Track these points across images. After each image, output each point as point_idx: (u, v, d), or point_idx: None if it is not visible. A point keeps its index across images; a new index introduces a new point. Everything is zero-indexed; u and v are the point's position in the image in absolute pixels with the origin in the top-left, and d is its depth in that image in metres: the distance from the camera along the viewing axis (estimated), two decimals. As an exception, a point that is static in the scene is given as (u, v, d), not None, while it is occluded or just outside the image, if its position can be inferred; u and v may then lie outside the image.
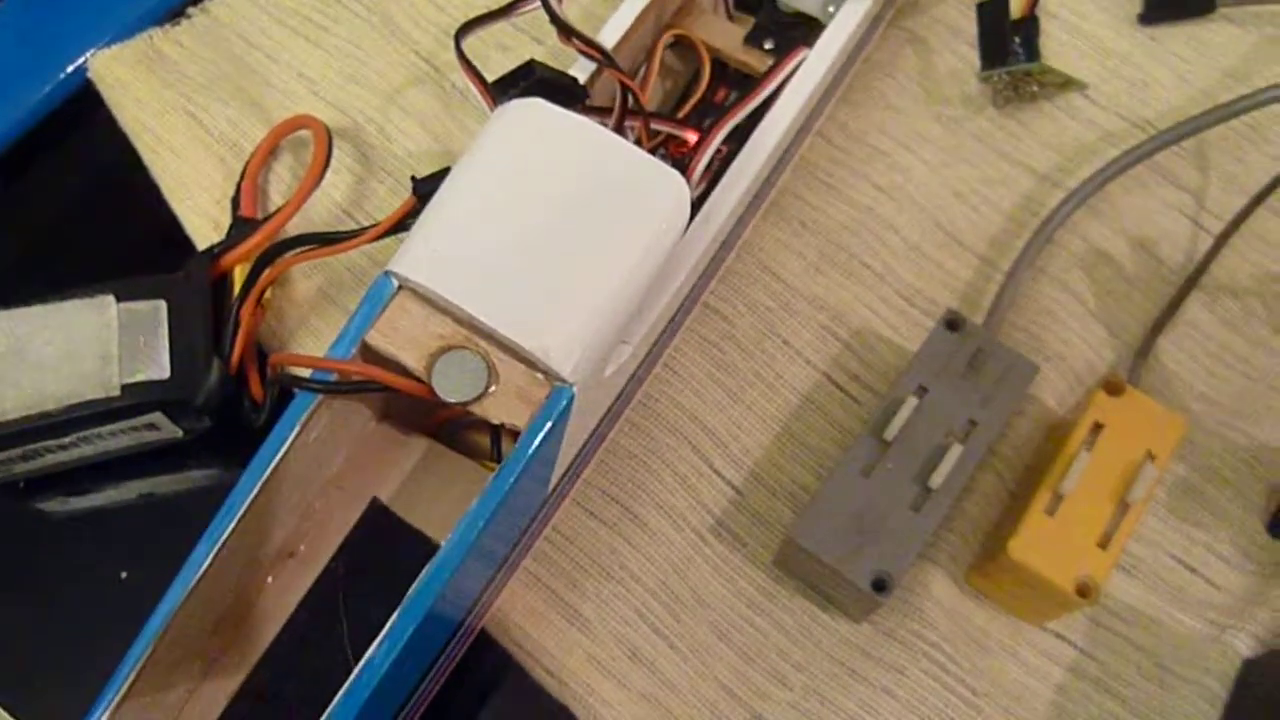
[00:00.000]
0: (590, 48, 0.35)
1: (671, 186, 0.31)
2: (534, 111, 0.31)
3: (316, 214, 0.40)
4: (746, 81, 0.40)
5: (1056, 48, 0.43)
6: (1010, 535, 0.33)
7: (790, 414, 0.38)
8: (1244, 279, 0.40)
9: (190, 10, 0.44)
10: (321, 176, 0.38)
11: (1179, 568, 0.37)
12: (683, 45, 0.40)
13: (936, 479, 0.33)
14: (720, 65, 0.40)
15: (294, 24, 0.44)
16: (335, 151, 0.39)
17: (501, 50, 0.43)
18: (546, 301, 0.29)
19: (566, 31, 0.34)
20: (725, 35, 0.40)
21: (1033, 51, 0.41)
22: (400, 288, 0.30)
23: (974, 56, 0.43)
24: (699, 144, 0.34)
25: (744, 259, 0.40)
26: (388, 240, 0.36)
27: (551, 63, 0.34)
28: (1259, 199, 0.40)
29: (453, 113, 0.42)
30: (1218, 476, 0.37)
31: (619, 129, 0.35)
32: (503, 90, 0.32)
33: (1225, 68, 0.43)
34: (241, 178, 0.40)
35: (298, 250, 0.36)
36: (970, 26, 0.43)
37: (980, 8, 0.41)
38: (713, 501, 0.37)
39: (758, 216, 0.40)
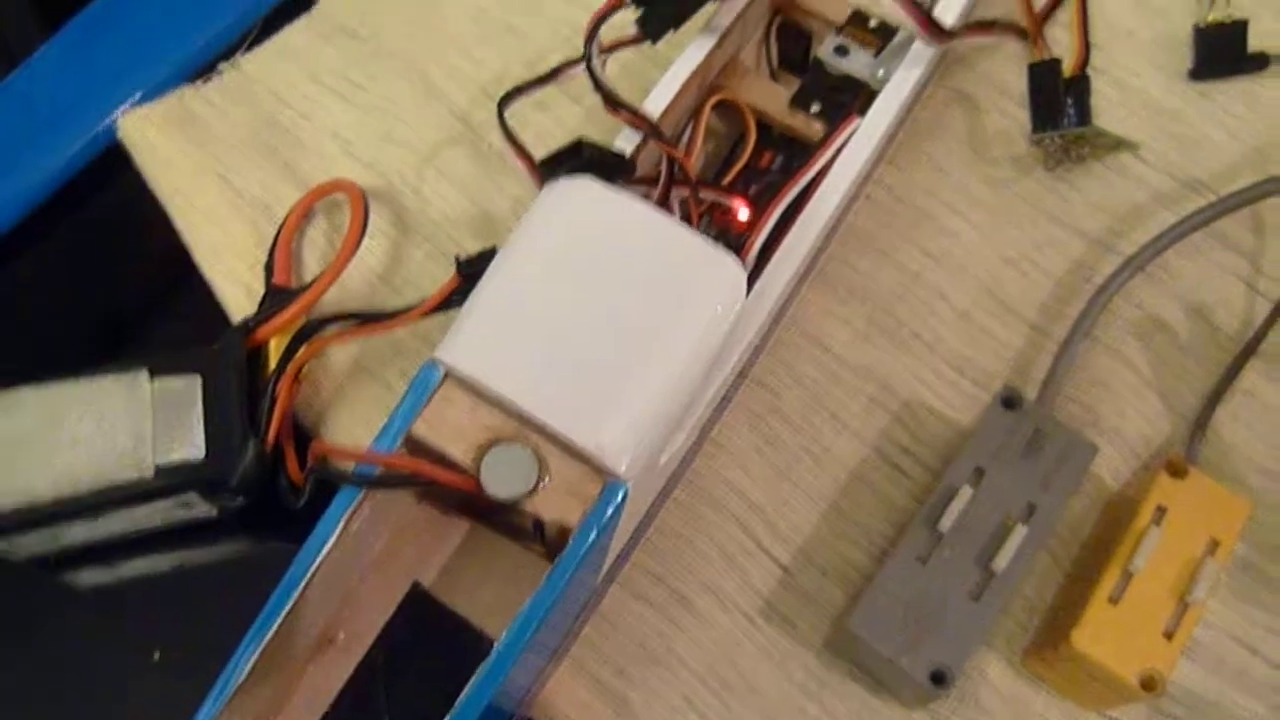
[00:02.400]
0: (638, 119, 0.34)
1: (727, 271, 0.30)
2: (585, 191, 0.30)
3: (351, 281, 0.39)
4: (791, 145, 0.39)
5: (1105, 105, 0.42)
6: (1073, 625, 0.32)
7: (838, 490, 0.37)
8: (1302, 347, 0.39)
9: (221, 65, 0.43)
10: (358, 245, 0.38)
11: (1240, 649, 0.35)
12: (725, 105, 0.39)
13: (1000, 562, 0.32)
14: (763, 127, 0.39)
15: (328, 81, 0.43)
16: (370, 215, 0.38)
17: (540, 109, 0.42)
18: (600, 395, 0.28)
19: (613, 103, 0.33)
20: (769, 97, 0.39)
21: (1085, 113, 0.40)
22: (447, 376, 0.29)
23: (1021, 115, 0.42)
24: (754, 223, 0.33)
25: (789, 329, 0.39)
26: (428, 314, 0.35)
27: (589, 124, 0.34)
28: (1317, 264, 0.39)
29: (490, 174, 0.41)
30: (1279, 554, 0.36)
31: (664, 199, 0.34)
32: (551, 170, 0.31)
33: None
34: (275, 243, 0.39)
35: (337, 328, 0.35)
36: (1017, 83, 0.42)
37: (1032, 68, 0.40)
38: (761, 582, 0.36)
39: (805, 286, 0.39)
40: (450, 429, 0.29)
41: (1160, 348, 0.39)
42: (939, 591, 0.32)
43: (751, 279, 0.34)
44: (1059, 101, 0.39)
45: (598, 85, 0.33)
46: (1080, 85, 0.40)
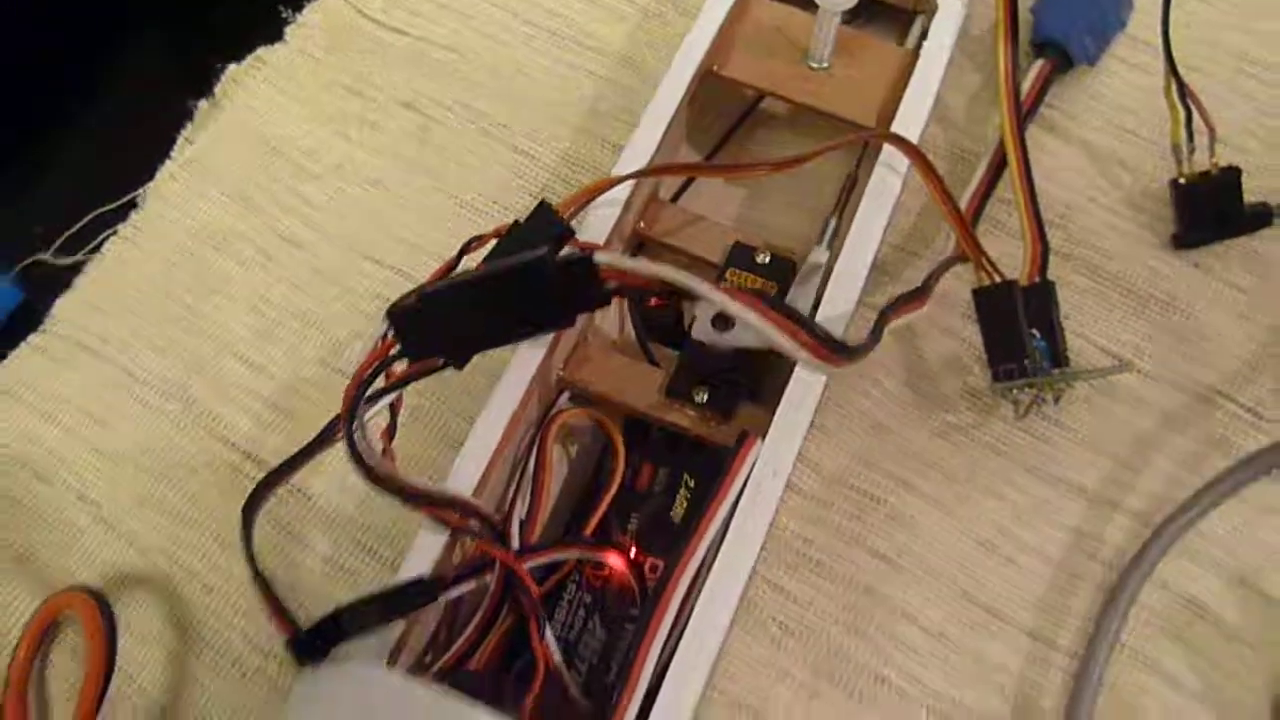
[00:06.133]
0: (440, 507, 0.24)
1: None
2: (342, 685, 0.20)
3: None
4: (676, 446, 0.29)
5: (1077, 305, 0.33)
6: None
7: None
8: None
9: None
10: (105, 681, 0.28)
11: None
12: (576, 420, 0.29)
13: None
14: (635, 426, 0.30)
15: (67, 420, 0.33)
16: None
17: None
18: None
19: (394, 491, 0.24)
20: (635, 389, 0.29)
21: (1057, 347, 0.30)
22: None
23: (969, 329, 0.32)
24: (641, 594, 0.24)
25: (713, 702, 0.28)
26: None
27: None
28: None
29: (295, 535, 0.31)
30: None
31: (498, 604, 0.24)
32: (308, 649, 0.21)
33: (1299, 289, 0.33)
34: (6, 687, 0.29)
35: None
36: (958, 285, 0.33)
37: (977, 295, 0.30)
38: None
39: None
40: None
41: (1208, 646, 0.29)
42: None
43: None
44: (1020, 337, 0.29)
45: (367, 472, 0.23)
46: (1043, 297, 0.30)
